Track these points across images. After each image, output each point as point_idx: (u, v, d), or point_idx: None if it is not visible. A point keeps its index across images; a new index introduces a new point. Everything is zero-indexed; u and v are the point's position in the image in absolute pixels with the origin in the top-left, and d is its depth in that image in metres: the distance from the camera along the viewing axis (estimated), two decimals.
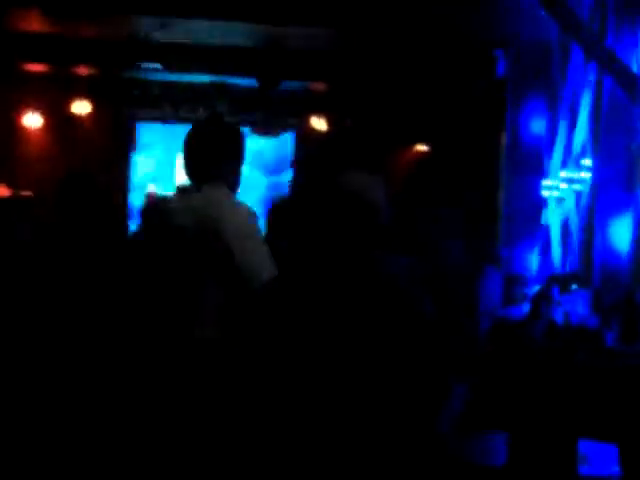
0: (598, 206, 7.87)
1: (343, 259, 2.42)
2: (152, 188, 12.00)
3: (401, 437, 2.31)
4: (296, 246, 3.22)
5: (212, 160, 3.26)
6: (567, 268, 8.87)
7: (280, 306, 2.49)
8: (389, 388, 2.33)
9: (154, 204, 6.39)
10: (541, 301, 7.07)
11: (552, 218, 9.61)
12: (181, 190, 3.51)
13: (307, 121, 12.94)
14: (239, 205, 3.19)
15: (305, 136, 13.03)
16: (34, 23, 10.23)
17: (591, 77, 8.44)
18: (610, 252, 7.63)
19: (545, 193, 9.68)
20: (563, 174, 9.08)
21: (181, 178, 3.58)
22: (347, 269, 2.41)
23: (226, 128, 3.43)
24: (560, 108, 9.51)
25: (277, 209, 3.61)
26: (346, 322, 2.35)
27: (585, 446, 3.36)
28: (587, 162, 8.43)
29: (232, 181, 3.28)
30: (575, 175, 8.74)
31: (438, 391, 2.42)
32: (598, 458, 3.40)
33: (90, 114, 12.30)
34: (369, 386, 2.31)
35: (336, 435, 2.29)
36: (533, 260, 9.89)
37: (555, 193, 9.41)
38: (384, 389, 2.32)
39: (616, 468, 3.12)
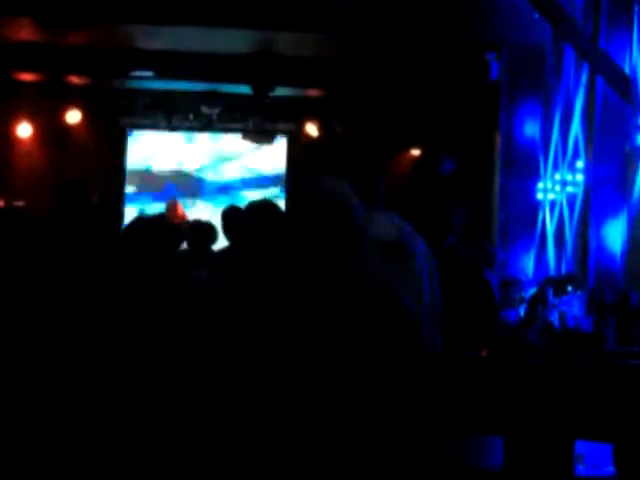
0: (592, 208, 7.86)
1: (316, 263, 2.39)
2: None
3: (384, 437, 2.28)
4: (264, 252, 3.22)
5: None
6: (562, 270, 8.86)
7: (256, 310, 2.46)
8: (367, 387, 2.30)
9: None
10: (537, 303, 7.05)
11: (547, 221, 9.60)
12: None
13: (301, 127, 12.94)
14: None
15: (299, 142, 13.03)
16: (25, 32, 10.21)
17: (584, 79, 8.43)
18: (605, 254, 7.61)
19: (539, 196, 9.67)
20: (557, 176, 9.08)
21: None
22: (320, 273, 2.39)
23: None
24: (553, 110, 9.51)
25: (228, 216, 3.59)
26: (322, 324, 2.33)
27: (581, 445, 3.33)
28: (581, 164, 8.42)
29: None
30: (569, 177, 8.73)
31: (420, 388, 2.39)
32: (594, 457, 3.37)
33: (82, 123, 12.28)
34: (347, 387, 2.28)
35: (321, 436, 2.26)
36: (529, 263, 9.88)
37: (550, 196, 9.40)
38: (362, 389, 2.29)
39: (611, 468, 3.09)
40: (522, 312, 7.41)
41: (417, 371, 2.38)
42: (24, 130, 12.32)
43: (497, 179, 10.65)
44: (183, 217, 9.80)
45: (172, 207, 9.96)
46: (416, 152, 13.16)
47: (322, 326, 2.32)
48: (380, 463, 2.28)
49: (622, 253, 7.46)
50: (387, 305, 2.38)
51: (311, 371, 2.29)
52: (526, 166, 9.98)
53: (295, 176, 13.02)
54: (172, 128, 12.89)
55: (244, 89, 11.88)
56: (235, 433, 2.40)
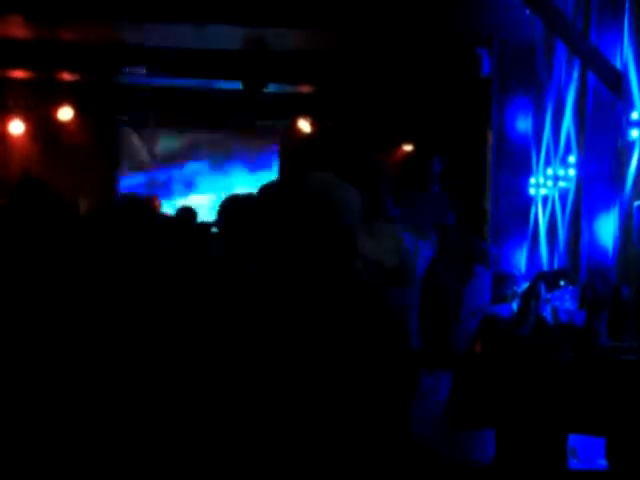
0: (584, 203, 7.88)
1: (309, 263, 2.37)
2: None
3: (370, 435, 2.28)
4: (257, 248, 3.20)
5: None
6: (555, 265, 8.88)
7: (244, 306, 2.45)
8: (352, 386, 2.30)
9: None
10: (529, 298, 7.06)
11: (539, 216, 9.63)
12: None
13: (293, 123, 12.94)
14: None
15: (291, 138, 13.03)
16: (17, 29, 10.17)
17: (575, 74, 8.45)
18: (597, 248, 7.63)
19: (532, 191, 9.69)
20: (549, 171, 9.09)
21: None
22: (313, 273, 2.36)
23: None
24: (545, 106, 9.53)
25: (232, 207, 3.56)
26: (310, 322, 2.32)
27: (574, 439, 3.34)
28: (573, 159, 8.44)
29: None
30: (561, 172, 8.75)
31: (403, 387, 2.39)
32: (586, 451, 3.39)
33: (74, 120, 12.26)
34: (333, 385, 2.28)
35: (307, 433, 2.26)
36: (521, 258, 9.90)
37: (542, 191, 9.42)
38: (347, 386, 2.29)
39: (603, 461, 3.11)
40: (515, 307, 7.42)
41: (406, 370, 2.38)
42: (16, 127, 12.29)
43: (489, 174, 10.67)
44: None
45: (150, 203, 9.99)
46: (408, 148, 13.18)
47: (310, 328, 2.31)
48: (370, 458, 2.28)
49: (614, 248, 7.48)
50: (375, 307, 2.37)
51: (301, 373, 2.28)
52: (518, 161, 10.00)
53: (286, 173, 13.02)
54: (164, 125, 12.88)
55: (236, 85, 11.88)
56: (227, 434, 2.40)
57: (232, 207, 3.79)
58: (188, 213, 6.83)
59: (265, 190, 3.62)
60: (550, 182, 9.07)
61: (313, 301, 2.31)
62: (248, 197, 3.91)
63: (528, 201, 9.85)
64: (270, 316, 2.32)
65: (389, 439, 2.27)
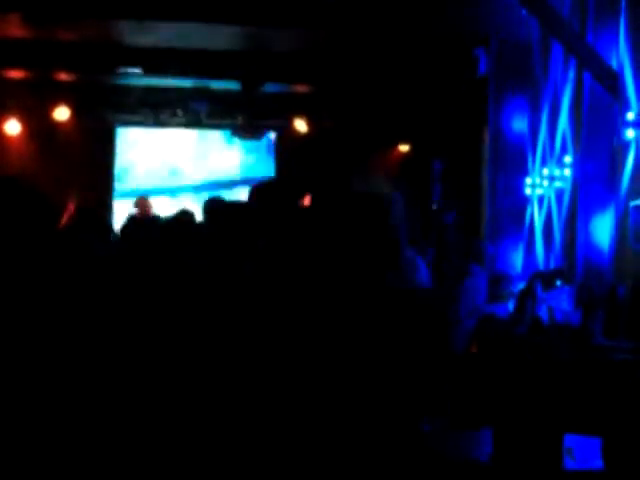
0: (580, 203, 7.90)
1: (355, 272, 2.30)
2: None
3: (390, 433, 2.28)
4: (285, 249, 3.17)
5: None
6: (551, 265, 8.90)
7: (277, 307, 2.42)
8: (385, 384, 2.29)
9: None
10: (526, 298, 7.09)
11: (535, 216, 9.65)
12: None
13: (290, 123, 12.95)
14: None
15: (288, 138, 13.04)
16: (14, 29, 10.17)
17: (572, 74, 8.47)
18: (593, 248, 7.66)
19: (528, 191, 9.71)
20: (545, 172, 9.12)
21: None
22: (357, 284, 2.30)
23: None
24: (541, 106, 9.55)
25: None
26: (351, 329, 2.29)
27: (570, 439, 3.36)
28: (569, 159, 8.47)
29: None
30: (557, 172, 8.78)
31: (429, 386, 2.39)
32: (583, 451, 3.40)
33: (70, 119, 12.25)
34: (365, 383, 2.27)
35: (327, 429, 2.26)
36: (517, 258, 9.92)
37: (538, 191, 9.44)
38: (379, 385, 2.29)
39: (600, 462, 3.13)
40: (511, 306, 7.44)
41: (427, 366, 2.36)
42: (12, 127, 12.28)
43: (485, 174, 10.69)
44: (149, 213, 9.78)
45: (141, 203, 9.99)
46: (404, 147, 13.20)
47: (354, 334, 2.27)
48: (374, 455, 2.28)
49: (610, 247, 7.51)
50: (425, 315, 2.33)
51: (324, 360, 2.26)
52: (514, 161, 10.02)
53: (284, 170, 13.01)
54: (161, 125, 12.88)
55: (233, 85, 11.88)
56: (228, 435, 2.41)
57: (219, 208, 3.73)
58: (186, 216, 6.74)
59: (258, 190, 3.56)
60: (546, 182, 9.09)
61: (359, 312, 2.26)
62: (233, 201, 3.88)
63: (524, 201, 9.87)
64: (311, 318, 2.29)
65: (405, 437, 2.28)
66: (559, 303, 6.82)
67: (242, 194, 11.93)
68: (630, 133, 7.05)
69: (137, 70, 11.41)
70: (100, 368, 3.38)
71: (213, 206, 3.64)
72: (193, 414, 2.75)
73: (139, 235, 3.80)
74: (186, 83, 12.25)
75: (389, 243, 2.34)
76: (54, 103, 12.17)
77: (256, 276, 2.81)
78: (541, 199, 9.43)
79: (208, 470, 2.62)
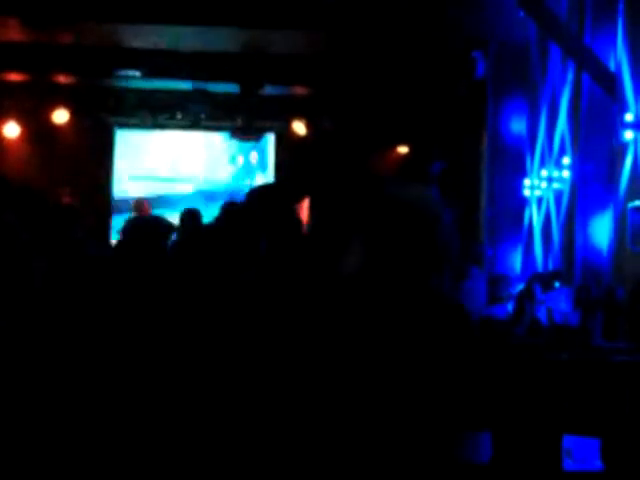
0: (579, 204, 7.91)
1: (394, 280, 2.18)
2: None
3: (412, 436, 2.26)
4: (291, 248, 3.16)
5: None
6: (549, 266, 8.92)
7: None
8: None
9: None
10: (525, 300, 7.10)
11: (534, 217, 9.66)
12: None
13: (289, 125, 12.95)
14: None
15: (287, 140, 13.04)
16: (13, 32, 10.19)
17: (570, 76, 8.49)
18: (591, 249, 7.67)
19: (526, 192, 9.73)
20: (544, 173, 9.13)
21: None
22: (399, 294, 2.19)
23: None
24: (540, 107, 9.57)
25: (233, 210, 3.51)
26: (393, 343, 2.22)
27: (569, 440, 3.37)
28: (567, 160, 8.48)
29: None
30: (555, 174, 8.80)
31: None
32: (582, 452, 3.41)
33: (69, 122, 12.26)
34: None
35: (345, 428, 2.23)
36: (516, 259, 9.93)
37: (536, 192, 9.46)
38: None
39: (599, 463, 3.13)
40: (510, 308, 7.46)
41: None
42: (11, 130, 12.29)
43: (484, 176, 10.71)
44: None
45: (140, 205, 10.03)
46: (403, 150, 13.20)
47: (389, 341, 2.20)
48: (388, 457, 2.26)
49: (609, 249, 7.52)
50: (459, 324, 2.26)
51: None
52: (513, 163, 10.04)
53: (283, 172, 13.02)
54: (160, 127, 12.89)
55: (232, 87, 11.88)
56: (230, 436, 2.41)
57: (226, 210, 3.74)
58: (191, 217, 6.62)
59: (256, 193, 3.55)
60: (545, 183, 9.11)
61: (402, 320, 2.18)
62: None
63: (523, 202, 9.89)
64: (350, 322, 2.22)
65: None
66: (558, 304, 6.83)
67: (239, 197, 11.87)
68: (628, 134, 7.07)
69: (136, 73, 11.42)
70: (100, 368, 3.39)
71: (227, 208, 3.63)
72: (193, 414, 2.76)
73: (139, 235, 3.82)
74: (185, 85, 12.25)
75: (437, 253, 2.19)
76: (53, 106, 12.17)
77: (260, 280, 2.81)
78: (540, 200, 9.45)
79: (208, 470, 2.63)
